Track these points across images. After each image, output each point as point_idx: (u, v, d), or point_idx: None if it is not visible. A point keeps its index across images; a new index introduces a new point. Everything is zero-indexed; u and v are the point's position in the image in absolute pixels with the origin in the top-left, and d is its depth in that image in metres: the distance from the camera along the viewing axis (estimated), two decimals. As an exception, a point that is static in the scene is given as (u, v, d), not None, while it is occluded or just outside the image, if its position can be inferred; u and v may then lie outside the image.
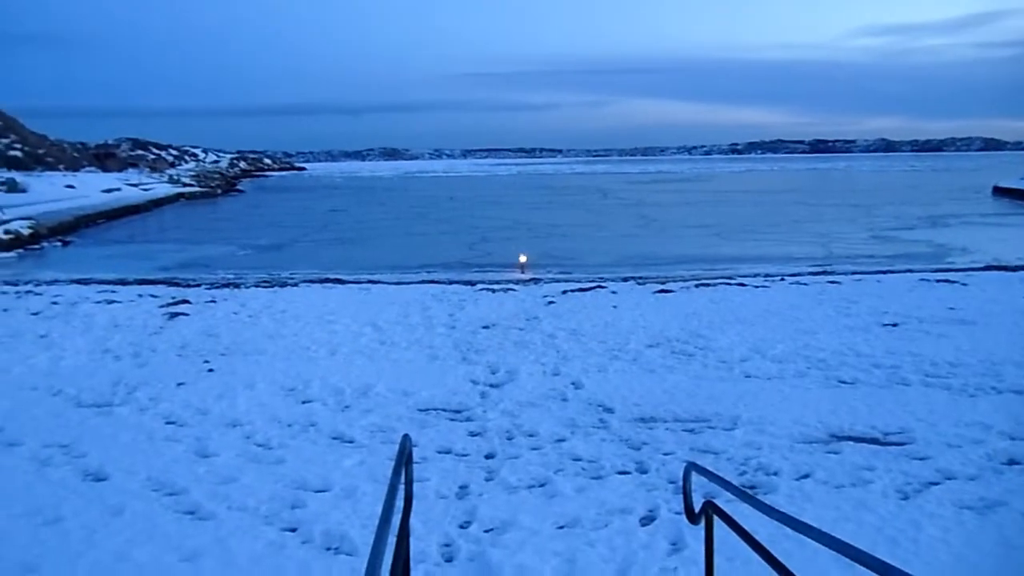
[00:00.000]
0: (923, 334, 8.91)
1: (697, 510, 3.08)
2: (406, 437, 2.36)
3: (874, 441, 5.68)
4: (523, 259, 17.89)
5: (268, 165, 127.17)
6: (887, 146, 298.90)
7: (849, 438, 5.75)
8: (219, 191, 57.12)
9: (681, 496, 3.49)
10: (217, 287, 13.74)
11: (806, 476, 5.06)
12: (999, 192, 41.92)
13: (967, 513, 4.50)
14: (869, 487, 4.87)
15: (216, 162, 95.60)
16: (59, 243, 24.06)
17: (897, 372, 7.37)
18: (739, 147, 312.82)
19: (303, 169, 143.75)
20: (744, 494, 2.57)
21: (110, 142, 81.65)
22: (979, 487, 4.84)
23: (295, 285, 13.89)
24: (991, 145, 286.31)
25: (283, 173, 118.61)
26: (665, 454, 5.50)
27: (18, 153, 49.55)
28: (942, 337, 8.73)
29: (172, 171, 67.81)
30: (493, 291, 12.63)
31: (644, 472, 5.20)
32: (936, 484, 4.89)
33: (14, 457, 5.52)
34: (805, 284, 12.82)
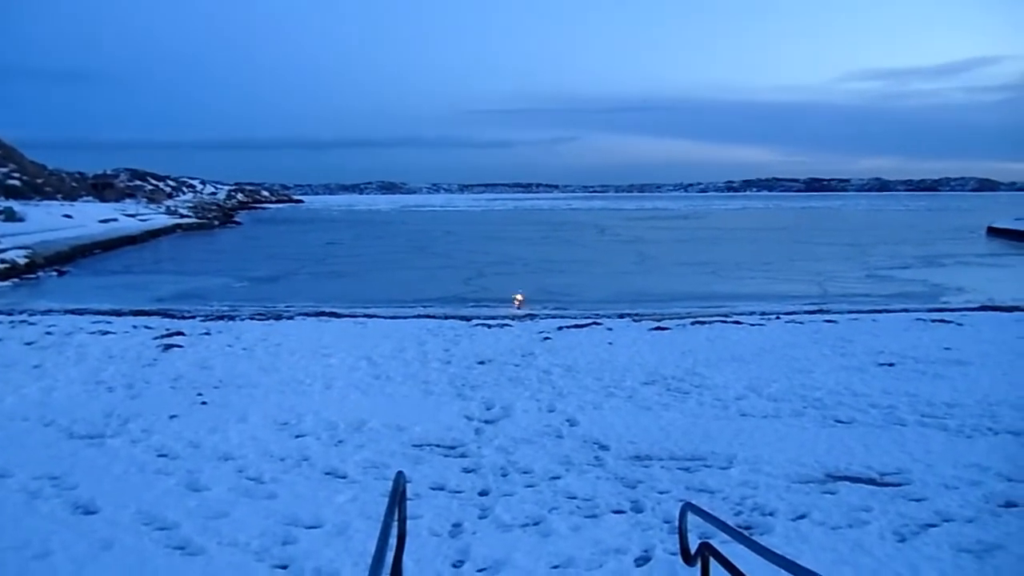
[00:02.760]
0: (919, 374, 8.91)
1: (693, 551, 3.05)
2: (400, 474, 2.35)
3: (871, 481, 5.65)
4: (519, 295, 17.91)
5: (266, 197, 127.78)
6: (882, 185, 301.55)
7: (846, 478, 5.72)
8: (216, 223, 57.26)
9: (676, 536, 3.46)
10: (212, 319, 13.72)
11: (802, 516, 5.02)
12: (993, 232, 42.23)
13: (965, 556, 4.47)
14: (866, 528, 4.83)
15: (214, 194, 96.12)
16: (55, 273, 24.04)
17: (893, 412, 7.35)
18: (735, 185, 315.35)
19: (300, 202, 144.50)
20: (741, 535, 2.55)
21: (108, 172, 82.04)
22: (977, 530, 4.80)
23: (290, 318, 13.87)
24: (985, 186, 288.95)
25: (280, 205, 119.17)
26: (661, 493, 5.46)
27: (16, 182, 49.71)
28: (938, 377, 8.73)
29: (170, 202, 68.10)
30: (489, 327, 12.63)
31: (639, 511, 5.16)
32: (933, 526, 4.86)
33: (4, 489, 5.46)
34: (801, 323, 12.83)
